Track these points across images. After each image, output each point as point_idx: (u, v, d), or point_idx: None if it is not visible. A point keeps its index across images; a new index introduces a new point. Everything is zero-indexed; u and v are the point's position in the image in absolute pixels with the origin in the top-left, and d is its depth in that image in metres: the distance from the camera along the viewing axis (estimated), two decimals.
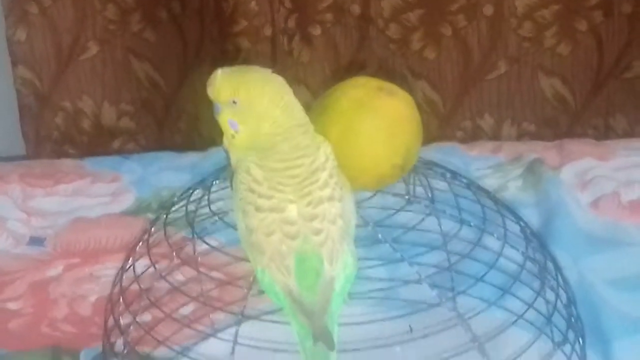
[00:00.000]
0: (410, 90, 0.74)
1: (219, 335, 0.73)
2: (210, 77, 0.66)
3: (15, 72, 1.60)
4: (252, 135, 0.66)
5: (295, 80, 1.48)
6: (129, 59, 1.58)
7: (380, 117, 0.71)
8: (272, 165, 0.65)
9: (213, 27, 1.53)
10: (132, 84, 1.59)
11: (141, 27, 1.56)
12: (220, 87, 0.66)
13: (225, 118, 0.66)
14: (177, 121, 1.59)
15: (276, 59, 1.50)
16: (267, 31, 1.50)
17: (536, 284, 0.74)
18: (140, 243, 0.77)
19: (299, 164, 0.65)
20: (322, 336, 0.61)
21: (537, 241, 0.78)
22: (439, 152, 1.07)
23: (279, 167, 0.65)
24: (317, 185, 0.64)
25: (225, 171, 0.75)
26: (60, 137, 1.62)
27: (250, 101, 0.65)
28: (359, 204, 0.69)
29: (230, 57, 1.50)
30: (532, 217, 1.01)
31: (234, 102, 0.65)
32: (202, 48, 1.54)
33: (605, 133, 1.53)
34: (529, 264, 0.74)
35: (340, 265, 0.63)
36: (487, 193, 0.78)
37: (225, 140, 0.67)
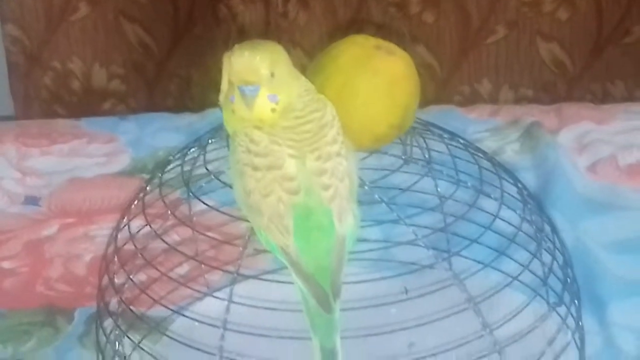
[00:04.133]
0: (408, 54, 0.73)
1: (214, 294, 0.73)
2: (237, 62, 0.63)
3: (4, 30, 1.59)
4: (287, 100, 0.64)
5: (291, 43, 1.47)
6: (119, 20, 1.57)
7: (379, 76, 0.70)
8: (285, 124, 0.64)
9: None
10: (123, 46, 1.58)
11: None
12: (259, 66, 0.63)
13: (265, 95, 0.64)
14: (168, 84, 1.58)
15: (269, 21, 1.49)
16: None
17: (532, 246, 0.74)
18: (136, 202, 0.77)
19: (311, 119, 0.64)
20: (320, 298, 0.61)
21: (534, 203, 0.77)
22: (436, 114, 1.06)
23: (293, 124, 0.64)
24: (326, 140, 0.64)
25: (221, 130, 0.75)
26: (49, 96, 1.62)
27: (283, 67, 0.64)
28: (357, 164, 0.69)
29: (223, 18, 1.49)
30: (530, 180, 1.01)
31: (272, 75, 0.63)
32: (193, 10, 1.54)
33: (603, 99, 1.53)
34: (525, 226, 0.74)
35: (347, 224, 0.63)
36: (484, 154, 0.78)
37: (243, 112, 0.64)
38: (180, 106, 1.51)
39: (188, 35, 1.54)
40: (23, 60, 1.60)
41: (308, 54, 1.46)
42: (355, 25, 1.49)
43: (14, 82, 1.62)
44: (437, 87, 1.54)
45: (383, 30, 1.47)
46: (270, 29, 1.49)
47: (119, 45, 1.59)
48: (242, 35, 1.45)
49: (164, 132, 1.16)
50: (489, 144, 1.09)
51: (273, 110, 0.64)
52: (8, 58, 1.61)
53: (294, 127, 0.64)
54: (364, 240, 0.68)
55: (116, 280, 0.75)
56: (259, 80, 0.63)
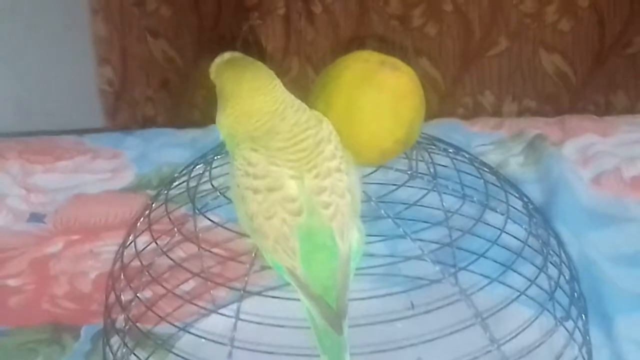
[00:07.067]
0: (411, 67, 0.73)
1: (221, 311, 0.73)
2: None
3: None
4: (229, 119, 0.66)
5: (305, 58, 1.47)
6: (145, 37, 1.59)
7: (384, 91, 0.70)
8: (278, 145, 0.64)
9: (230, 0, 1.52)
10: (151, 62, 1.60)
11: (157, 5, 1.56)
12: (211, 69, 0.67)
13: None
14: (195, 96, 1.58)
15: (290, 38, 1.48)
16: (281, 10, 1.49)
17: (538, 260, 0.74)
18: (141, 219, 0.77)
19: (305, 137, 0.65)
20: (331, 320, 0.61)
21: (540, 217, 0.77)
22: (440, 127, 1.06)
23: (286, 145, 0.64)
24: (324, 156, 0.64)
25: (226, 146, 0.75)
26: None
27: (222, 86, 0.66)
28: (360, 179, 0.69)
29: (242, 34, 1.50)
30: (534, 193, 1.00)
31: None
32: (219, 22, 1.54)
33: (606, 110, 1.53)
34: (531, 240, 0.74)
35: (350, 241, 0.63)
36: (490, 168, 0.78)
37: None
38: (206, 118, 1.51)
39: (213, 47, 1.54)
40: (113, 100, 1.62)
41: (315, 69, 1.46)
42: (357, 39, 1.49)
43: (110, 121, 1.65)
44: (440, 100, 1.54)
45: (386, 44, 1.47)
46: (290, 46, 1.49)
47: (150, 61, 1.60)
48: (259, 50, 1.45)
49: (168, 147, 1.16)
50: (492, 157, 1.09)
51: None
52: (103, 99, 1.63)
53: (288, 148, 0.64)
54: (370, 255, 0.68)
55: (123, 298, 0.75)
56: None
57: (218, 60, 0.67)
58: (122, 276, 0.75)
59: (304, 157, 0.64)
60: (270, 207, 0.63)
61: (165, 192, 0.76)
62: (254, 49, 1.45)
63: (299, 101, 0.67)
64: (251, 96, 0.65)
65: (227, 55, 0.67)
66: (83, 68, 1.65)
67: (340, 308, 0.61)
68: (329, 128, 0.66)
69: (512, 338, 0.68)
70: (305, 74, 1.44)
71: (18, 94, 1.66)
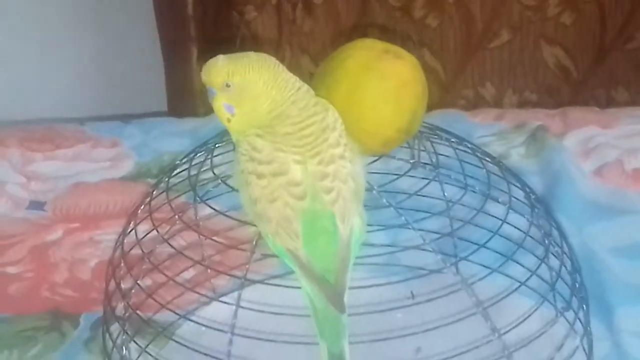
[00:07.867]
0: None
1: (222, 299, 0.73)
2: (206, 63, 0.67)
3: None
4: (250, 116, 0.66)
5: (300, 49, 1.47)
6: None
7: (386, 80, 0.70)
8: (285, 130, 0.65)
9: None
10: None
11: None
12: (214, 72, 0.66)
13: (220, 102, 0.66)
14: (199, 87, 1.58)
15: (282, 28, 1.48)
16: (274, 0, 1.48)
17: (540, 251, 0.74)
18: (142, 207, 0.76)
19: (311, 122, 0.65)
20: (333, 299, 0.61)
21: (542, 207, 0.77)
22: (442, 118, 1.05)
23: (292, 130, 0.65)
24: (328, 143, 0.64)
25: (228, 134, 0.75)
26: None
27: (245, 84, 0.65)
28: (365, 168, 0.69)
29: (235, 24, 1.49)
30: (535, 184, 1.00)
31: (228, 86, 0.65)
32: (219, 14, 1.53)
33: (607, 105, 1.52)
34: (533, 231, 0.74)
35: (351, 225, 0.63)
36: (492, 159, 0.78)
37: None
38: (209, 110, 1.50)
39: (214, 39, 1.54)
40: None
41: (314, 59, 1.46)
42: (359, 29, 1.49)
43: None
44: (441, 91, 1.53)
45: (387, 34, 1.46)
46: (282, 36, 1.48)
47: None
48: (256, 41, 1.44)
49: (168, 136, 1.16)
50: (494, 148, 1.09)
51: (228, 120, 0.66)
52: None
53: (294, 133, 0.65)
54: (371, 244, 0.68)
55: (123, 285, 0.75)
56: (213, 84, 0.66)
57: (220, 62, 0.66)
58: (122, 264, 0.75)
59: (308, 142, 0.64)
60: (274, 191, 0.63)
61: (166, 180, 0.76)
62: (249, 40, 1.45)
63: (305, 86, 0.67)
64: (264, 90, 0.65)
65: (221, 57, 0.67)
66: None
67: (339, 285, 0.61)
68: (335, 115, 0.66)
69: (513, 328, 0.68)
70: (298, 64, 1.44)
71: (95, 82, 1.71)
